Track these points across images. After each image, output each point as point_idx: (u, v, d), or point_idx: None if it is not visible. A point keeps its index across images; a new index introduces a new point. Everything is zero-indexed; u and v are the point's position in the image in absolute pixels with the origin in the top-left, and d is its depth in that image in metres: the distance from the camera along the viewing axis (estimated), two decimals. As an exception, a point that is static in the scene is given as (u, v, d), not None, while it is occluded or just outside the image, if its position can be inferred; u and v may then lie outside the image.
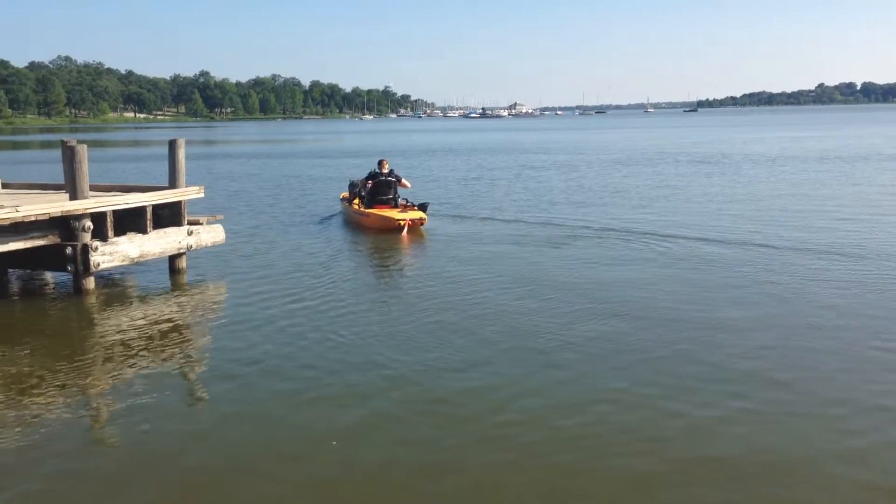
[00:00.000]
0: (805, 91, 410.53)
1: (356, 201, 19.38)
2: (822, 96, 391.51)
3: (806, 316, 10.15)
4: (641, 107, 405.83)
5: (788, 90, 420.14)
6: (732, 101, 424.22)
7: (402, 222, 17.52)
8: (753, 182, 28.02)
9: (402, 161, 42.28)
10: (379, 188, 18.74)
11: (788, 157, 40.12)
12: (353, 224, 19.08)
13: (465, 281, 12.45)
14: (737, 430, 6.69)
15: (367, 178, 19.03)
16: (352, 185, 20.35)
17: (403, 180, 19.25)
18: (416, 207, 18.41)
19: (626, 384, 7.79)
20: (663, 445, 6.42)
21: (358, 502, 5.66)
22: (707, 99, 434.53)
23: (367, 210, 18.52)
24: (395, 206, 18.54)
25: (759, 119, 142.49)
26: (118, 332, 10.00)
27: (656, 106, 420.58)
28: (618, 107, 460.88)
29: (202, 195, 13.65)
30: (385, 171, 18.80)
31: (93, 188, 12.88)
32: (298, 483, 5.92)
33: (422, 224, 17.93)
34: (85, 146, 12.05)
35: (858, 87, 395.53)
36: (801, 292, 11.36)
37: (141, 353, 9.09)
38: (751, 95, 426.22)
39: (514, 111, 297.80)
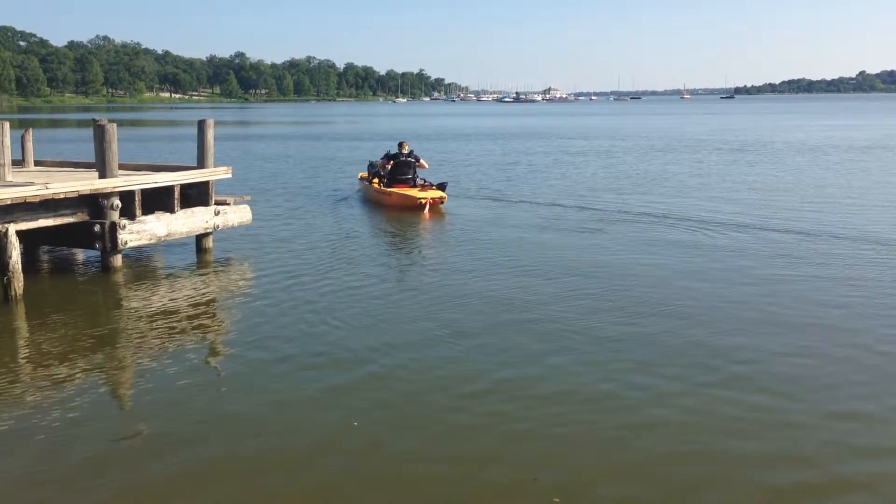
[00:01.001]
0: (846, 78, 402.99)
1: (375, 181, 19.92)
2: (863, 84, 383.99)
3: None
4: (677, 93, 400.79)
5: (828, 77, 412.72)
6: (771, 88, 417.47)
7: (423, 201, 18.19)
8: (799, 171, 27.45)
9: (438, 145, 42.21)
10: (399, 168, 19.35)
11: (834, 146, 39.21)
12: (374, 202, 19.63)
13: (499, 264, 12.44)
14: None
15: (388, 159, 19.71)
16: (371, 166, 21.09)
17: (422, 161, 19.87)
18: (434, 187, 18.99)
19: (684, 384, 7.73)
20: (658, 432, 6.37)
21: (380, 483, 5.67)
22: (745, 85, 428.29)
23: (388, 189, 19.12)
24: (414, 186, 19.12)
25: (800, 106, 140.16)
26: (144, 309, 10.12)
27: (692, 92, 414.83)
28: (653, 92, 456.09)
29: (230, 175, 13.74)
30: (405, 151, 19.46)
31: (122, 167, 13.03)
32: (321, 464, 5.94)
33: (442, 203, 18.62)
34: (115, 125, 12.16)
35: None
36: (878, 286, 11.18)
37: (165, 330, 9.19)
38: (790, 83, 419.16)
39: (547, 96, 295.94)
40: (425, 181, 19.35)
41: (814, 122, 70.59)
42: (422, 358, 8.15)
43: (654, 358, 8.14)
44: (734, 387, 7.36)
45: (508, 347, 8.48)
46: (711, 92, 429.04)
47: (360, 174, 22.68)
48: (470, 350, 8.41)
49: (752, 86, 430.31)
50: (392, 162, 19.51)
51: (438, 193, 18.65)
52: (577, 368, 7.87)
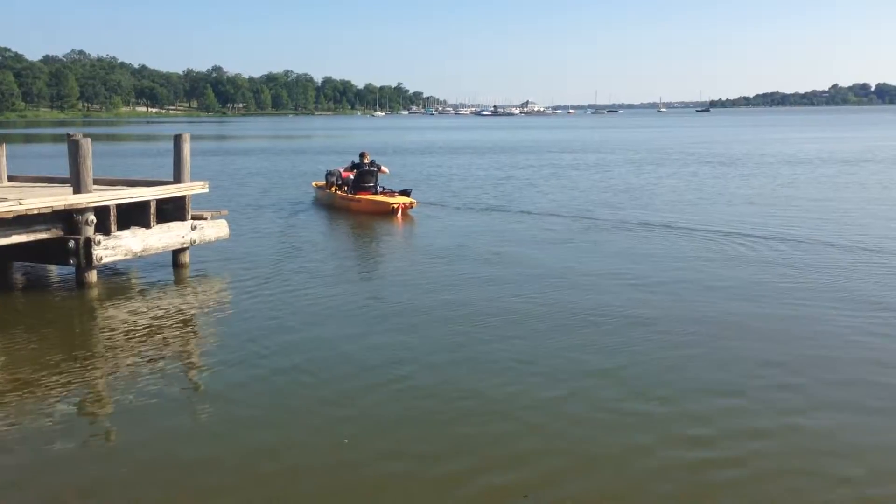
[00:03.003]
0: (819, 92, 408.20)
1: (333, 188, 21.59)
2: (836, 97, 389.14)
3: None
4: (654, 106, 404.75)
5: (801, 91, 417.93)
6: (745, 102, 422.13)
7: (395, 206, 19.42)
8: (795, 183, 27.43)
9: (426, 159, 41.97)
10: (362, 177, 20.74)
11: (821, 159, 39.17)
12: (341, 209, 20.72)
13: (491, 277, 12.42)
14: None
15: (351, 168, 21.07)
16: (328, 174, 22.54)
17: (383, 167, 21.29)
18: (397, 193, 20.34)
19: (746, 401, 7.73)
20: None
21: (369, 499, 5.62)
22: (719, 99, 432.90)
23: (356, 196, 20.36)
24: (376, 193, 20.53)
25: (776, 119, 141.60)
26: (119, 325, 10.00)
27: (668, 105, 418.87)
28: (629, 106, 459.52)
29: (206, 190, 13.65)
30: (367, 161, 20.85)
31: (98, 182, 12.90)
32: (305, 479, 5.87)
33: (411, 207, 19.82)
34: (89, 140, 12.05)
35: (873, 89, 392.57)
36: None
37: (142, 346, 9.08)
38: (763, 96, 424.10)
39: (525, 109, 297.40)
40: (384, 188, 20.78)
41: (795, 135, 71.19)
42: (405, 372, 8.09)
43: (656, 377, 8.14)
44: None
45: (495, 361, 8.44)
46: (687, 105, 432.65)
47: (314, 183, 24.42)
48: (457, 363, 8.34)
49: (727, 99, 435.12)
50: (355, 171, 20.76)
51: (408, 199, 19.88)
52: (584, 386, 7.85)
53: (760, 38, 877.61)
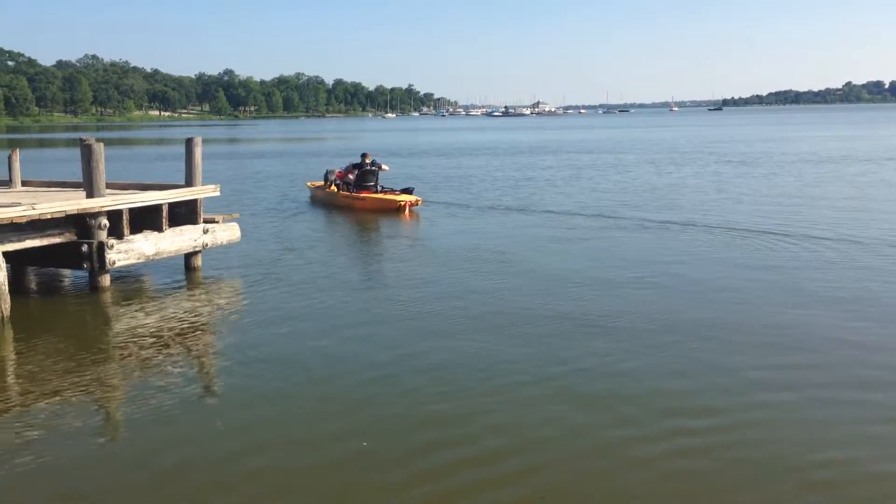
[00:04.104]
0: (832, 89, 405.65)
1: (332, 187, 22.57)
2: (850, 95, 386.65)
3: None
4: (665, 105, 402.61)
5: (815, 89, 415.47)
6: (758, 100, 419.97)
7: (402, 203, 20.27)
8: (822, 182, 26.97)
9: (443, 161, 41.68)
10: (364, 176, 21.70)
11: (843, 157, 38.57)
12: (343, 208, 21.40)
13: (499, 273, 12.41)
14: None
15: (353, 167, 21.99)
16: (328, 174, 23.53)
17: (384, 165, 22.33)
18: (398, 192, 21.25)
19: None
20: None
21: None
22: (732, 98, 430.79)
23: (361, 194, 21.20)
24: (377, 192, 21.49)
25: (790, 117, 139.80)
26: (132, 328, 10.06)
27: (680, 104, 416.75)
28: (641, 105, 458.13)
29: (218, 193, 13.71)
30: (368, 161, 21.77)
31: (110, 186, 12.98)
32: (323, 483, 5.86)
33: (417, 205, 20.71)
34: (101, 144, 12.12)
35: (887, 86, 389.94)
36: None
37: (155, 349, 9.13)
38: (777, 94, 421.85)
39: (536, 110, 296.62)
40: (384, 187, 21.82)
41: (813, 133, 70.31)
42: (421, 376, 8.07)
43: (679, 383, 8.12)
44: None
45: (512, 362, 8.43)
46: (699, 104, 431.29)
47: (309, 183, 25.41)
48: (476, 369, 8.31)
49: (740, 97, 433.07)
50: (357, 171, 21.68)
51: (413, 197, 20.81)
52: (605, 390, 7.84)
53: (773, 35, 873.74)
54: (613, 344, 9.00)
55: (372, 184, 21.75)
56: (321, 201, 23.19)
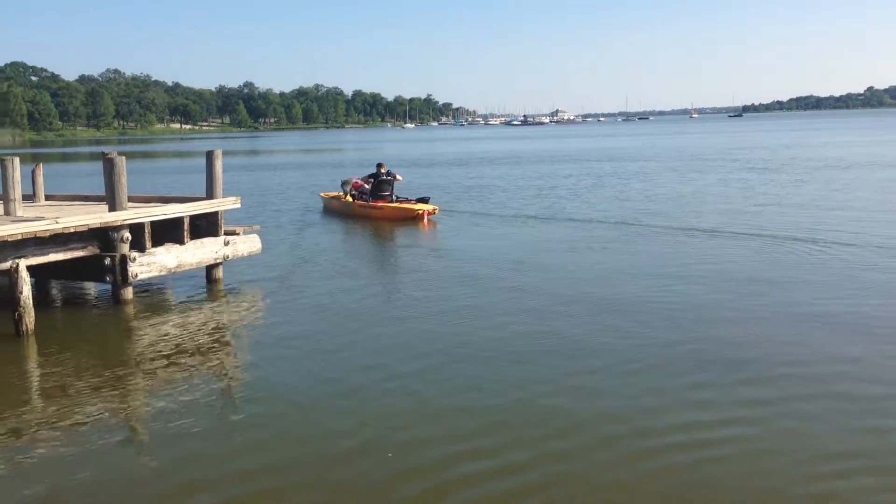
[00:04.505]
0: (854, 94, 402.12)
1: (347, 198, 23.00)
2: (872, 99, 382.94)
3: None
4: (685, 112, 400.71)
5: (836, 94, 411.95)
6: (779, 106, 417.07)
7: (420, 212, 20.67)
8: (849, 188, 26.55)
9: (465, 171, 41.36)
10: (379, 186, 22.06)
11: (870, 163, 37.80)
12: (359, 217, 21.69)
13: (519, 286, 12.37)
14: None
15: (369, 177, 22.43)
16: (344, 184, 23.93)
17: (398, 176, 22.73)
18: (414, 201, 21.58)
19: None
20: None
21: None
22: (752, 104, 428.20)
23: (378, 204, 21.61)
24: (392, 201, 21.89)
25: (812, 123, 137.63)
26: (155, 340, 10.11)
27: (700, 111, 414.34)
28: (660, 112, 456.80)
29: (238, 205, 13.78)
30: (384, 171, 22.08)
31: (132, 199, 13.09)
32: (348, 495, 5.83)
33: (434, 214, 21.07)
34: (123, 158, 12.23)
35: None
36: None
37: (177, 363, 9.16)
38: (797, 100, 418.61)
39: (555, 118, 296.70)
40: (399, 197, 22.24)
41: (837, 139, 69.31)
42: (444, 388, 8.04)
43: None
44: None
45: (533, 373, 8.40)
46: (719, 111, 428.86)
47: (323, 193, 25.83)
48: (498, 381, 8.29)
49: (760, 103, 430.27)
50: (373, 181, 22.05)
51: (431, 206, 21.16)
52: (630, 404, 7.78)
53: (793, 40, 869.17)
54: (634, 352, 8.95)
55: (387, 193, 22.12)
56: (337, 211, 23.41)
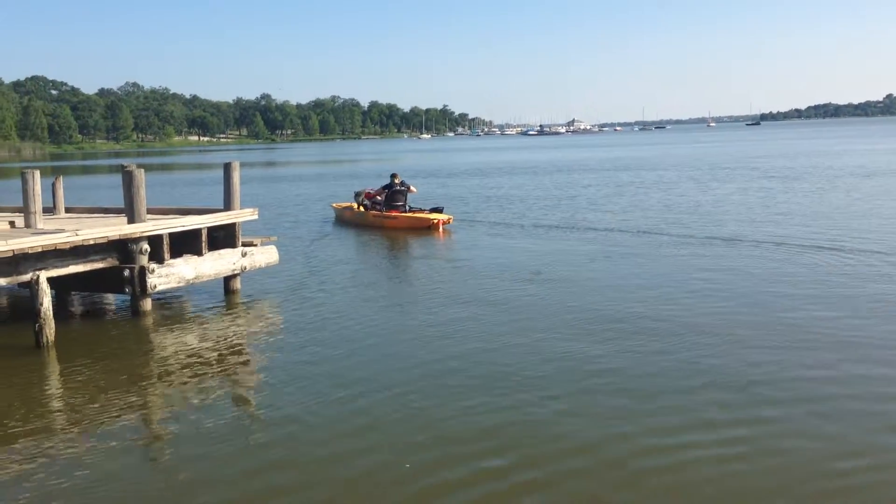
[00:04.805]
0: (873, 102, 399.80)
1: (360, 208, 23.40)
2: (891, 107, 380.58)
3: None
4: (702, 121, 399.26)
5: (855, 101, 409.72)
6: (797, 114, 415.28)
7: (435, 221, 20.99)
8: (878, 195, 26.39)
9: (483, 181, 41.11)
10: (393, 196, 22.43)
11: (893, 171, 37.46)
12: (374, 227, 22.10)
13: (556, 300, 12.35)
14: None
15: (383, 189, 22.77)
16: (357, 195, 24.29)
17: (412, 187, 23.07)
18: (427, 211, 21.90)
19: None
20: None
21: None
22: (770, 112, 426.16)
23: (392, 213, 22.00)
24: (405, 211, 22.21)
25: (831, 131, 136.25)
26: (174, 352, 10.17)
27: (717, 120, 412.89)
28: (677, 121, 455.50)
29: (256, 217, 13.86)
30: (398, 182, 22.46)
31: (151, 211, 13.18)
32: None
33: (448, 223, 21.35)
34: (142, 171, 12.33)
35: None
36: None
37: (196, 374, 9.21)
38: (816, 107, 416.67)
39: (571, 128, 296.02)
40: (412, 207, 22.60)
41: (857, 146, 68.45)
42: (462, 400, 8.01)
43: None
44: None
45: (560, 390, 8.37)
46: (736, 119, 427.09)
47: (334, 204, 26.30)
48: (514, 389, 8.29)
49: (778, 111, 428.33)
50: (387, 191, 22.40)
51: (445, 216, 21.41)
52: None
53: (811, 48, 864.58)
54: (647, 353, 8.90)
55: (401, 203, 22.47)
56: (350, 221, 23.61)
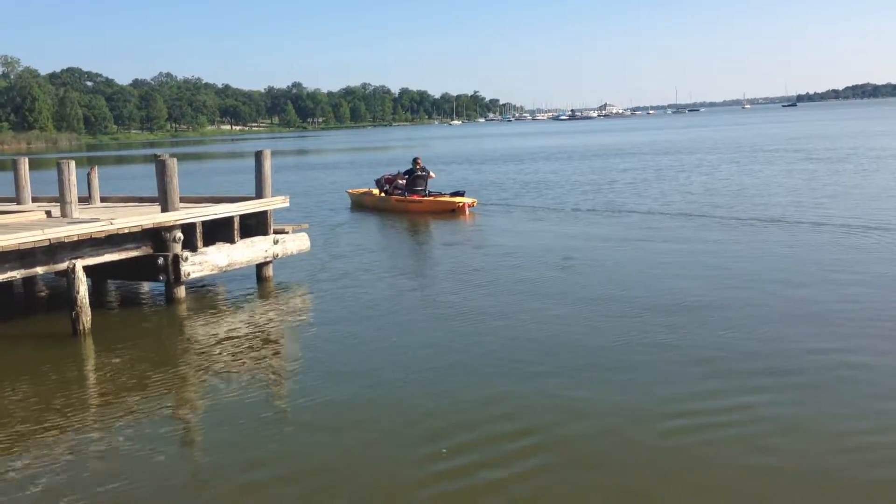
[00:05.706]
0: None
1: (381, 193, 23.59)
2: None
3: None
4: (737, 103, 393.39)
5: (894, 81, 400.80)
6: (834, 95, 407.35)
7: (460, 204, 21.24)
8: None
9: (519, 167, 40.81)
10: (414, 181, 22.80)
11: None
12: (396, 212, 22.38)
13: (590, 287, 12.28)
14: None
15: (405, 173, 23.10)
16: (378, 181, 24.52)
17: (431, 173, 23.34)
18: (448, 195, 22.12)
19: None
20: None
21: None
22: (807, 93, 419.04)
23: (415, 198, 22.26)
24: (426, 196, 22.48)
25: (871, 112, 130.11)
26: (207, 338, 10.27)
27: (752, 102, 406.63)
28: (711, 104, 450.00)
29: (287, 204, 13.91)
30: (419, 167, 22.78)
31: (184, 200, 13.28)
32: (403, 494, 5.82)
33: (473, 206, 21.59)
34: (175, 160, 12.42)
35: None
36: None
37: (230, 361, 9.28)
38: (853, 88, 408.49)
39: (603, 112, 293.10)
40: (431, 192, 22.74)
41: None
42: (493, 388, 7.96)
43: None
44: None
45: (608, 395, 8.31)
46: (772, 101, 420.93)
47: (349, 190, 26.70)
48: (548, 383, 8.25)
49: (815, 92, 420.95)
50: (409, 176, 22.77)
51: (470, 199, 21.84)
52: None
53: (848, 26, 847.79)
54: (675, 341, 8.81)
55: (421, 188, 22.79)
56: (372, 206, 23.76)
